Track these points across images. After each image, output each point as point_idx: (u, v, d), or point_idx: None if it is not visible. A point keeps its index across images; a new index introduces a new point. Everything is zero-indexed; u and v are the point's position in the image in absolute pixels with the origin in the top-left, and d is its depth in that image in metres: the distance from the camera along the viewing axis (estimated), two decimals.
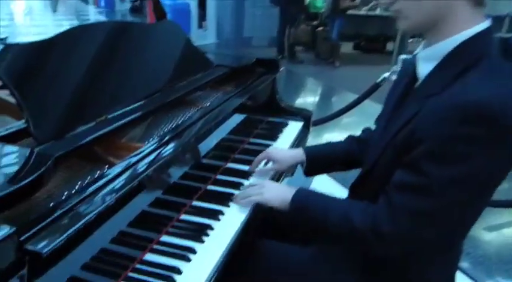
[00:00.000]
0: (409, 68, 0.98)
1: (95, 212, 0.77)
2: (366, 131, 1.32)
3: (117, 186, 0.86)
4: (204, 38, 7.94)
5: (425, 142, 0.82)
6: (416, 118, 0.86)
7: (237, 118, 1.55)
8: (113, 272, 0.86)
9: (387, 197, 0.89)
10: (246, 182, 1.29)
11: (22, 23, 10.97)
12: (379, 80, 2.30)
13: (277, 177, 1.37)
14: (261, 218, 1.20)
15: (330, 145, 1.36)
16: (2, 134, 0.90)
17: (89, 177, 0.87)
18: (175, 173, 1.12)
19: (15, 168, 0.75)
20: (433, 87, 0.86)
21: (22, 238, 0.61)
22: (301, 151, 1.33)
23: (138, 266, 0.91)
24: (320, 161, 1.32)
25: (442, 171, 0.80)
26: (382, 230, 0.87)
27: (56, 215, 0.69)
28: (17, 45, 0.99)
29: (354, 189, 1.11)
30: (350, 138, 1.33)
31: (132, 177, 0.91)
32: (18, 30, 9.16)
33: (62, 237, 0.66)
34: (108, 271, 0.85)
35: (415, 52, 0.96)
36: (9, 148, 0.81)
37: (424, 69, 0.90)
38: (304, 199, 1.03)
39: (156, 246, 0.98)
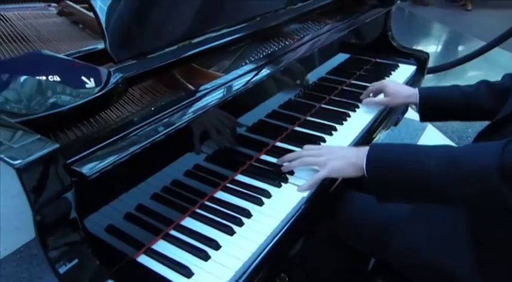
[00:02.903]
0: None
1: (159, 139, 0.71)
2: (506, 77, 1.07)
3: (194, 113, 0.79)
4: None
5: None
6: None
7: (340, 57, 1.38)
8: (180, 205, 0.82)
9: None
10: (339, 127, 1.14)
11: None
12: None
13: (381, 118, 1.21)
14: None
15: (452, 88, 1.15)
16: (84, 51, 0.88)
17: (163, 103, 0.81)
18: (263, 110, 1.03)
19: (87, 85, 0.71)
20: None
21: (72, 159, 0.57)
22: (417, 92, 1.16)
23: (207, 203, 0.86)
24: (436, 104, 1.13)
25: None
26: None
27: (113, 139, 0.64)
28: None
29: (480, 140, 0.90)
30: (481, 82, 1.11)
31: (210, 105, 0.83)
32: None
33: (111, 160, 0.60)
34: (175, 204, 0.81)
35: None
36: (86, 67, 0.77)
37: None
38: (384, 154, 0.81)
39: (229, 185, 0.91)
